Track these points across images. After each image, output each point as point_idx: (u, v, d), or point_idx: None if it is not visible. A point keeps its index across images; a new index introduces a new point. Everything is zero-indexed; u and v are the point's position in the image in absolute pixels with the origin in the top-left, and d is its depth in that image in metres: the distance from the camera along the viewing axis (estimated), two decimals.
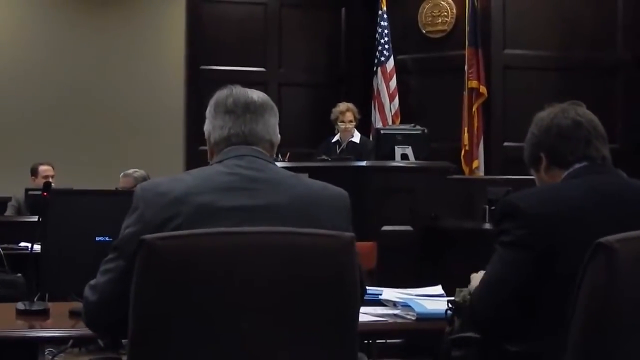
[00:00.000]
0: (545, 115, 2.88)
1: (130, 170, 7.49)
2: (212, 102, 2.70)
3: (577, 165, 2.76)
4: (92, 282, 2.56)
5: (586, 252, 2.34)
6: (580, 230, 2.54)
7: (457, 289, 2.87)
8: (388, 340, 6.25)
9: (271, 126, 2.68)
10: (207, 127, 2.69)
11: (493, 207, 6.77)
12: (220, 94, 2.69)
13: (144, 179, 7.06)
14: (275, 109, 2.72)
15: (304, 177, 2.64)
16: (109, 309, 2.47)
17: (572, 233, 2.54)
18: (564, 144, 2.78)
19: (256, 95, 2.69)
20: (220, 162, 2.59)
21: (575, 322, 2.34)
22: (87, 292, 2.57)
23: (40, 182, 8.11)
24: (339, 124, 8.19)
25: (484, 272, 2.74)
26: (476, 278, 2.82)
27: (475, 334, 2.72)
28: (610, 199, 2.66)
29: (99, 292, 2.52)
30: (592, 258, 2.32)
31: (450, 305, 2.86)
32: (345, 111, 8.16)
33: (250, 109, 2.65)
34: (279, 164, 2.76)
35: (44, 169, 8.28)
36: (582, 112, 2.85)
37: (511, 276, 2.60)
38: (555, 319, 2.51)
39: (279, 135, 2.72)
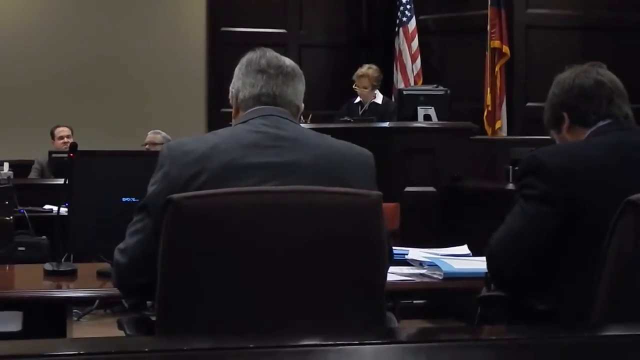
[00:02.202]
0: (566, 75, 2.88)
1: (160, 131, 7.58)
2: (243, 60, 2.69)
3: (600, 123, 2.77)
4: (121, 245, 2.57)
5: (610, 207, 2.35)
6: (604, 185, 2.56)
7: None
8: (414, 302, 6.28)
9: (299, 92, 2.69)
10: (235, 84, 2.69)
11: (516, 168, 6.75)
12: (253, 54, 2.69)
13: (167, 140, 7.10)
14: (303, 78, 2.73)
15: (329, 137, 2.64)
16: (140, 271, 2.48)
17: (596, 189, 2.56)
18: (586, 103, 2.79)
19: (288, 61, 2.70)
20: (245, 122, 2.59)
21: (604, 280, 2.33)
22: (117, 255, 2.58)
23: (57, 144, 8.15)
24: (354, 86, 8.18)
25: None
26: None
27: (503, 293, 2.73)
28: (635, 154, 2.67)
29: (129, 254, 2.54)
30: (621, 216, 2.31)
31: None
32: (361, 76, 8.12)
33: (282, 72, 2.66)
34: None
35: (59, 130, 8.30)
36: (603, 72, 2.85)
37: (533, 229, 2.62)
38: (576, 273, 2.52)
39: (303, 104, 2.73)
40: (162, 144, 7.06)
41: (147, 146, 7.48)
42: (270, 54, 2.69)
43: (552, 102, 2.89)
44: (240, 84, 2.68)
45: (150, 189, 2.51)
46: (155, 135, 7.50)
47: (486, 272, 2.84)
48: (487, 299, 2.82)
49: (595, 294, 2.37)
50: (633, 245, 2.31)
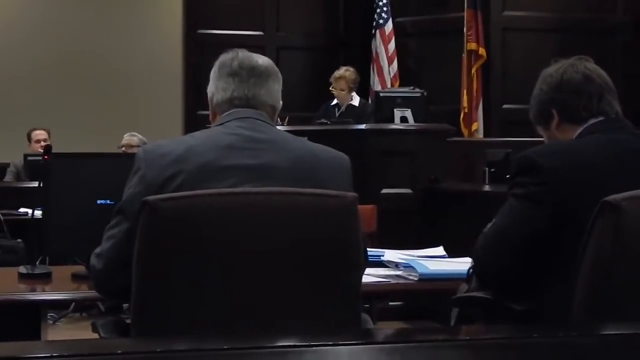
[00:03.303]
0: (553, 70, 2.79)
1: (136, 134, 7.55)
2: (216, 63, 2.69)
3: (592, 121, 2.70)
4: (97, 250, 2.56)
5: None
6: (597, 186, 2.48)
7: None
8: (390, 303, 6.28)
9: (274, 92, 2.67)
10: (210, 88, 2.69)
11: (493, 170, 6.77)
12: (226, 57, 2.68)
13: (144, 142, 7.08)
14: (279, 75, 2.71)
15: (306, 140, 2.64)
16: (116, 275, 2.46)
17: (589, 189, 2.48)
18: (576, 99, 2.71)
19: (261, 60, 2.68)
20: (222, 124, 2.58)
21: (581, 279, 2.34)
22: (93, 260, 2.57)
23: (34, 147, 8.11)
24: (331, 88, 8.19)
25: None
26: None
27: (483, 293, 2.70)
28: (629, 154, 2.61)
29: (105, 258, 2.53)
30: (598, 216, 2.31)
31: (472, 265, 2.81)
32: (338, 78, 8.13)
33: (255, 73, 2.64)
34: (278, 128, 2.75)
35: (36, 133, 8.26)
36: (591, 66, 2.78)
37: (519, 228, 2.57)
38: (563, 275, 2.50)
39: (281, 102, 2.71)
40: (138, 146, 7.04)
41: (123, 149, 7.46)
42: (243, 54, 2.67)
43: (539, 98, 2.81)
44: (214, 87, 2.67)
45: (127, 192, 2.50)
46: (131, 138, 7.48)
47: (469, 269, 2.81)
48: (465, 300, 2.80)
49: (573, 295, 2.37)
50: (610, 246, 2.31)
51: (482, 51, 9.00)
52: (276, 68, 2.71)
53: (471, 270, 2.80)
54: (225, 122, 2.58)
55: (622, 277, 2.31)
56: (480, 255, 2.68)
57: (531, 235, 2.55)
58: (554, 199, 2.51)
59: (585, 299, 2.34)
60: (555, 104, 2.75)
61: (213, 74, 2.69)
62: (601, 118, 2.70)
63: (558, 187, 2.52)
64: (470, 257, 2.81)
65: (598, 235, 2.32)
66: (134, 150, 6.91)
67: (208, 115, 2.72)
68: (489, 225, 2.70)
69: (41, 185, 3.24)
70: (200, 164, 2.43)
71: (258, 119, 2.58)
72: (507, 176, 2.76)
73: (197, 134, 2.59)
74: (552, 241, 2.53)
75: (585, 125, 2.70)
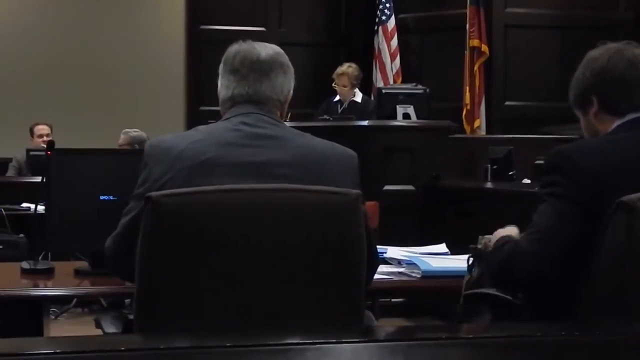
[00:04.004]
0: (598, 55, 2.65)
1: (130, 130, 7.48)
2: (223, 58, 2.68)
3: (631, 116, 2.56)
4: (113, 233, 2.60)
5: None
6: (635, 188, 2.35)
7: (480, 237, 2.77)
8: (392, 300, 6.28)
9: (277, 85, 2.64)
10: (218, 84, 2.69)
11: (495, 166, 6.77)
12: (229, 51, 2.67)
13: (141, 138, 7.06)
14: (286, 64, 2.67)
15: (311, 136, 2.62)
16: (124, 260, 2.46)
17: (627, 191, 2.34)
18: (618, 89, 2.58)
19: (264, 52, 2.66)
20: (227, 119, 2.58)
21: (593, 281, 2.32)
22: (107, 242, 2.61)
23: (36, 141, 8.11)
24: (333, 84, 8.19)
25: (510, 227, 2.64)
26: (502, 231, 2.70)
27: (493, 289, 2.61)
28: None
29: (114, 243, 2.57)
30: (613, 216, 2.27)
31: (472, 253, 2.75)
32: (341, 74, 8.14)
33: (255, 68, 2.62)
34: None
35: (39, 128, 8.27)
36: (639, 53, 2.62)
37: (562, 230, 2.42)
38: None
39: (290, 92, 2.68)
40: (134, 144, 7.02)
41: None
42: (246, 48, 2.66)
43: (581, 83, 2.64)
44: (219, 85, 2.68)
45: (137, 185, 2.51)
46: (125, 137, 7.40)
47: (468, 258, 2.74)
48: (473, 297, 2.76)
49: (585, 295, 2.35)
50: (624, 247, 2.28)
51: (484, 48, 9.00)
52: (282, 58, 2.67)
53: (471, 259, 2.73)
54: (230, 117, 2.58)
55: (634, 277, 2.29)
56: (522, 259, 2.48)
57: (568, 241, 2.41)
58: (592, 200, 2.39)
59: (596, 299, 2.32)
60: (596, 92, 2.60)
61: (219, 70, 2.69)
62: (639, 114, 2.56)
63: (595, 187, 2.39)
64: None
65: (611, 234, 2.28)
66: (125, 147, 6.92)
67: (211, 111, 2.72)
68: (529, 228, 2.52)
69: (44, 180, 3.24)
70: (200, 161, 2.43)
71: (263, 114, 2.57)
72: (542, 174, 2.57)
73: (202, 128, 2.59)
74: (583, 244, 2.40)
75: (624, 120, 2.56)
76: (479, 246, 2.74)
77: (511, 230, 2.70)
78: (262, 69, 2.63)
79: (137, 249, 2.32)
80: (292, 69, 2.69)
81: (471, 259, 2.76)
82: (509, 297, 2.57)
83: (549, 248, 2.43)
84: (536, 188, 2.64)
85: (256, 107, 2.58)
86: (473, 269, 2.75)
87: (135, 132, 7.33)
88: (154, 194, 2.30)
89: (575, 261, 2.42)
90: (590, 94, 2.61)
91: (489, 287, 2.65)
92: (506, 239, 2.63)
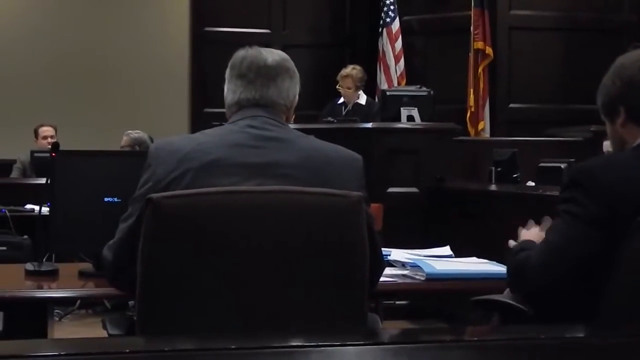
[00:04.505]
0: (629, 62, 2.53)
1: (132, 131, 7.49)
2: (229, 63, 2.70)
3: None
4: (110, 242, 2.58)
5: None
6: None
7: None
8: (396, 302, 6.29)
9: (284, 90, 2.65)
10: (224, 89, 2.70)
11: (499, 169, 6.77)
12: (236, 57, 2.68)
13: (142, 140, 7.06)
14: (292, 70, 2.69)
15: (317, 139, 2.63)
16: (124, 268, 2.46)
17: None
18: None
19: (271, 58, 2.67)
20: (233, 122, 2.59)
21: (611, 294, 2.29)
22: (105, 251, 2.60)
23: (41, 143, 8.12)
24: (337, 87, 8.20)
25: (534, 228, 2.61)
26: (526, 234, 2.67)
27: (501, 295, 2.59)
28: None
29: (113, 251, 2.56)
30: (633, 235, 2.24)
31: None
32: (345, 76, 8.14)
33: (262, 74, 2.64)
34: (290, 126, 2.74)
35: (43, 129, 8.28)
36: None
37: (576, 249, 2.37)
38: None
39: (296, 97, 2.70)
40: (134, 145, 7.02)
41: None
42: (253, 53, 2.67)
43: (609, 91, 2.55)
44: (226, 89, 2.69)
45: (138, 187, 2.51)
46: (126, 138, 7.39)
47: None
48: (483, 302, 2.74)
49: (600, 310, 2.33)
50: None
51: (488, 50, 9.00)
52: (288, 63, 2.68)
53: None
54: (236, 120, 2.59)
55: None
56: (533, 274, 2.45)
57: (591, 257, 2.36)
58: (613, 220, 2.33)
59: (613, 316, 2.29)
60: (624, 102, 2.51)
61: (226, 74, 2.70)
62: None
63: (617, 207, 2.33)
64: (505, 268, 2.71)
65: (631, 252, 2.24)
66: (127, 149, 6.92)
67: (215, 112, 2.73)
68: (541, 244, 2.50)
69: (48, 182, 3.25)
70: (206, 162, 2.44)
71: (269, 118, 2.59)
72: (561, 188, 2.51)
73: (208, 131, 2.61)
74: (609, 261, 2.34)
75: None
76: None
77: (534, 234, 2.67)
78: (269, 74, 2.64)
79: (138, 254, 2.32)
80: (297, 75, 2.70)
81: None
82: (519, 305, 2.54)
83: (557, 265, 2.40)
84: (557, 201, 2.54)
85: (263, 111, 2.60)
86: None
87: (137, 133, 7.33)
88: (155, 195, 2.31)
89: (586, 278, 2.38)
90: (618, 103, 2.52)
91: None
92: (524, 245, 2.61)
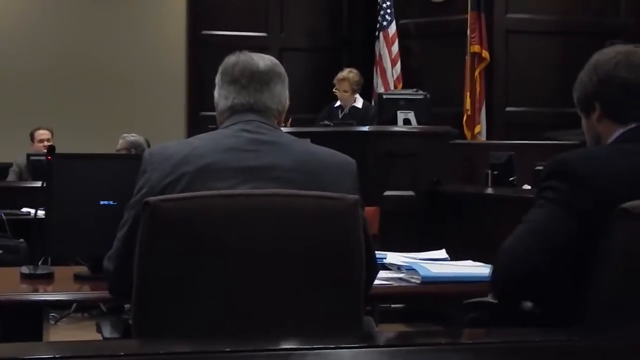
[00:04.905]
0: (605, 59, 2.57)
1: (128, 134, 7.48)
2: (220, 69, 2.70)
3: (632, 125, 2.52)
4: (110, 252, 2.59)
5: None
6: (633, 198, 2.30)
7: None
8: (392, 306, 6.29)
9: (277, 95, 2.67)
10: (215, 94, 2.70)
11: (495, 172, 6.77)
12: (227, 62, 2.69)
13: (138, 143, 7.05)
14: (283, 74, 2.70)
15: (311, 143, 2.64)
16: (126, 276, 2.43)
17: (625, 201, 2.28)
18: (623, 97, 2.52)
19: (263, 63, 2.67)
20: (227, 127, 2.60)
21: (595, 287, 2.31)
22: (105, 263, 2.60)
23: (37, 146, 8.11)
24: (334, 90, 8.21)
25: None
26: None
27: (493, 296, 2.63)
28: None
29: (114, 260, 2.56)
30: (615, 223, 2.25)
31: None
32: (342, 80, 8.16)
33: (255, 79, 2.65)
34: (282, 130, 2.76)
35: (39, 133, 8.27)
36: None
37: (554, 231, 2.38)
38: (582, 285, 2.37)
39: (287, 102, 2.71)
40: (131, 148, 7.02)
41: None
42: (245, 58, 2.68)
43: (586, 87, 2.59)
44: (217, 95, 2.69)
45: (134, 194, 2.51)
46: (122, 142, 7.38)
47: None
48: (476, 304, 2.76)
49: (585, 301, 2.34)
50: (626, 254, 2.27)
51: (485, 54, 9.00)
52: (279, 68, 2.70)
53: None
54: (230, 124, 2.60)
55: (637, 284, 2.28)
56: (514, 257, 2.43)
57: (562, 240, 2.38)
58: (590, 209, 2.36)
59: (599, 306, 2.31)
60: (600, 98, 2.56)
61: (217, 80, 2.70)
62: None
63: (593, 197, 2.36)
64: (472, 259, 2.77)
65: (614, 241, 2.26)
66: (123, 152, 6.91)
67: (212, 116, 2.73)
68: (517, 229, 2.48)
69: (44, 185, 3.24)
70: (201, 166, 2.44)
71: (262, 122, 2.59)
72: (538, 181, 2.53)
73: (202, 136, 2.61)
74: (581, 250, 2.37)
75: (626, 129, 2.53)
76: None
77: None
78: (261, 79, 2.65)
79: (134, 257, 2.32)
80: (287, 79, 2.72)
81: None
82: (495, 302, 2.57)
83: (541, 242, 2.39)
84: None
85: (256, 115, 2.61)
86: None
87: (132, 136, 7.32)
88: (151, 198, 2.31)
89: (571, 264, 2.39)
90: (594, 99, 2.57)
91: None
92: None
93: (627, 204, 2.25)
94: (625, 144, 2.50)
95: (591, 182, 2.38)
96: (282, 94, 2.69)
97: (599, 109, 2.56)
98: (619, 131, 2.54)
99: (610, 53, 2.58)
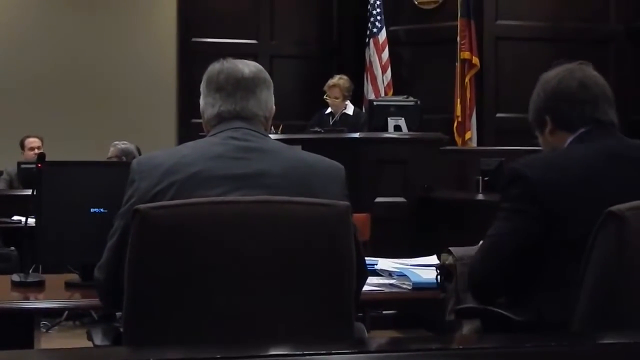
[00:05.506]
0: (551, 76, 2.79)
1: (119, 142, 7.46)
2: (204, 77, 2.70)
3: (582, 129, 2.69)
4: (100, 262, 2.58)
5: (595, 218, 2.32)
6: (587, 196, 2.50)
7: (442, 254, 2.90)
8: (383, 312, 6.28)
9: (263, 101, 2.66)
10: (201, 103, 2.70)
11: (486, 178, 6.78)
12: (212, 70, 2.68)
13: (129, 151, 7.04)
14: (268, 80, 2.70)
15: (299, 149, 2.64)
16: (117, 286, 2.43)
17: (578, 200, 2.50)
18: (570, 108, 2.71)
19: (247, 69, 2.67)
20: (214, 134, 2.59)
21: (585, 292, 2.33)
22: (96, 273, 2.59)
23: (27, 154, 8.10)
24: (325, 97, 8.22)
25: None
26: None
27: (474, 302, 2.71)
28: (617, 161, 2.61)
29: (104, 270, 2.55)
30: (603, 226, 2.30)
31: (438, 271, 2.89)
32: (332, 86, 8.18)
33: (240, 86, 2.64)
34: (272, 137, 2.76)
35: (30, 141, 8.27)
36: (590, 73, 2.77)
37: (512, 241, 2.59)
38: (560, 284, 2.49)
39: (273, 107, 2.71)
40: (122, 156, 7.00)
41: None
42: (229, 66, 2.67)
43: (536, 104, 2.82)
44: (203, 103, 2.69)
45: (123, 204, 2.51)
46: (114, 150, 7.37)
47: (436, 277, 2.89)
48: (465, 311, 2.78)
49: (576, 306, 2.36)
50: (614, 257, 2.29)
51: (475, 60, 9.01)
52: (264, 74, 2.69)
53: (439, 277, 2.89)
54: (218, 132, 2.59)
55: (626, 287, 2.30)
56: (476, 269, 2.71)
57: (524, 247, 2.57)
58: (539, 210, 2.54)
59: (588, 310, 2.32)
60: (549, 112, 2.76)
61: (202, 88, 2.70)
62: (590, 126, 2.69)
63: (545, 197, 2.54)
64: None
65: (601, 245, 2.30)
66: (114, 159, 6.90)
67: (202, 123, 2.73)
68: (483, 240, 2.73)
69: (34, 193, 3.24)
70: (190, 174, 2.44)
71: (250, 129, 2.59)
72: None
73: (190, 144, 2.60)
74: (540, 251, 2.54)
75: (575, 135, 2.70)
76: (446, 262, 2.83)
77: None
78: (247, 86, 2.65)
79: (125, 265, 2.32)
80: (272, 84, 2.72)
81: (439, 277, 2.90)
82: (500, 311, 2.64)
83: (493, 259, 2.65)
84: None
85: (243, 123, 2.61)
86: (445, 286, 2.83)
87: (123, 144, 7.31)
88: (142, 206, 2.30)
89: (523, 268, 2.59)
90: (544, 114, 2.78)
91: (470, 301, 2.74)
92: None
93: (614, 208, 2.27)
94: (575, 145, 2.68)
95: (538, 183, 2.56)
96: (268, 100, 2.68)
97: (550, 122, 2.76)
98: (569, 139, 2.71)
99: (555, 71, 2.81)
